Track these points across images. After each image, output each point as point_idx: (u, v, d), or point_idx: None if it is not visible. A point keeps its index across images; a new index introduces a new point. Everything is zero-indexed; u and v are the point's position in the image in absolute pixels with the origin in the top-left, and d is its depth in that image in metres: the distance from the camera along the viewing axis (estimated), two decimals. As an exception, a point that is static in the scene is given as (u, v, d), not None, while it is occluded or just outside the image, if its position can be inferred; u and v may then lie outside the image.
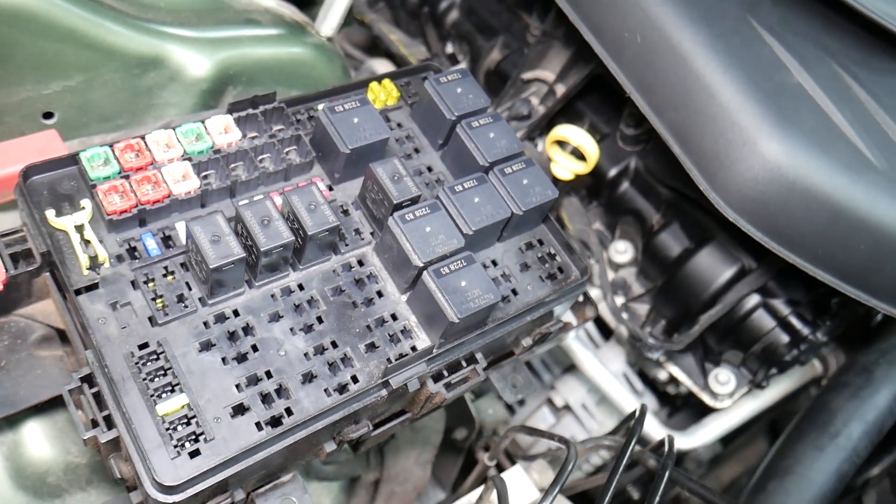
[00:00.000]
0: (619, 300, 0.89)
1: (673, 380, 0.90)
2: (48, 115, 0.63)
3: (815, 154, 0.63)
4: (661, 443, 0.67)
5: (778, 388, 0.90)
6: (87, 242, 0.50)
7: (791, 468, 0.80)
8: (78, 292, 0.48)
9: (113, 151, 0.52)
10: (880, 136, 0.66)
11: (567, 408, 0.98)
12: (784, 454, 0.81)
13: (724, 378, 0.84)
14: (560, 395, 0.98)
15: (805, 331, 0.78)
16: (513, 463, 0.72)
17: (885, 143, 0.66)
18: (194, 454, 0.45)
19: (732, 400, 0.86)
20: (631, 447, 0.60)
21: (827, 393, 0.81)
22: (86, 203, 0.51)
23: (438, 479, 0.94)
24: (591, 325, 0.98)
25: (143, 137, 0.53)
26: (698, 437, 0.89)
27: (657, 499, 0.58)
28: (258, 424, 0.47)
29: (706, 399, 0.86)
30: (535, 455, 0.78)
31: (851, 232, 0.64)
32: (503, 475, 0.65)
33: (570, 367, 1.01)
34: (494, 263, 0.59)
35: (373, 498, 0.75)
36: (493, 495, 0.60)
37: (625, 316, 0.87)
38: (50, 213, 0.50)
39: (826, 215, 0.63)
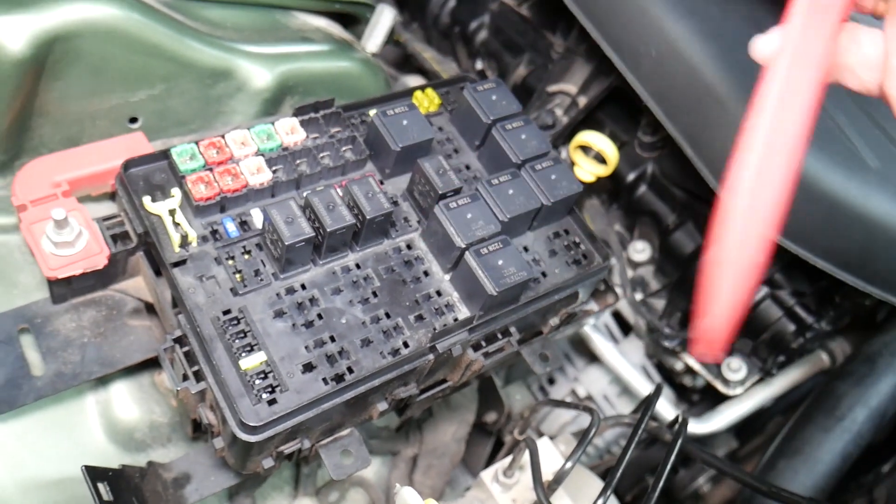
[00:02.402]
0: (639, 296, 0.95)
1: (689, 370, 0.97)
2: (133, 120, 0.71)
3: (814, 153, 0.70)
4: (676, 419, 0.73)
5: (787, 378, 0.96)
6: (177, 225, 0.58)
7: (800, 449, 0.86)
8: (172, 266, 0.56)
9: (198, 148, 0.60)
10: (875, 137, 0.73)
11: (590, 398, 1.05)
12: (793, 436, 0.87)
13: (735, 366, 0.90)
14: (583, 386, 1.05)
15: (809, 320, 0.84)
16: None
17: (878, 144, 0.73)
18: (272, 402, 0.53)
19: (744, 388, 0.92)
20: (648, 416, 0.66)
21: (833, 380, 0.88)
22: (175, 192, 0.59)
23: (468, 464, 1.00)
24: (611, 322, 1.05)
25: (223, 136, 0.61)
26: (713, 423, 0.95)
27: (669, 463, 0.65)
28: (324, 380, 0.55)
29: (719, 386, 0.92)
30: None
31: (847, 224, 0.70)
32: (532, 444, 0.72)
33: (593, 361, 1.08)
34: (526, 249, 0.66)
35: (412, 471, 0.82)
36: (525, 457, 0.67)
37: (643, 309, 0.93)
38: (146, 200, 0.58)
39: (824, 209, 0.70)
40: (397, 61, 1.26)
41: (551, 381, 1.09)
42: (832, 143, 0.71)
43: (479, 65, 1.12)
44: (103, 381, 0.63)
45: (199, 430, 0.65)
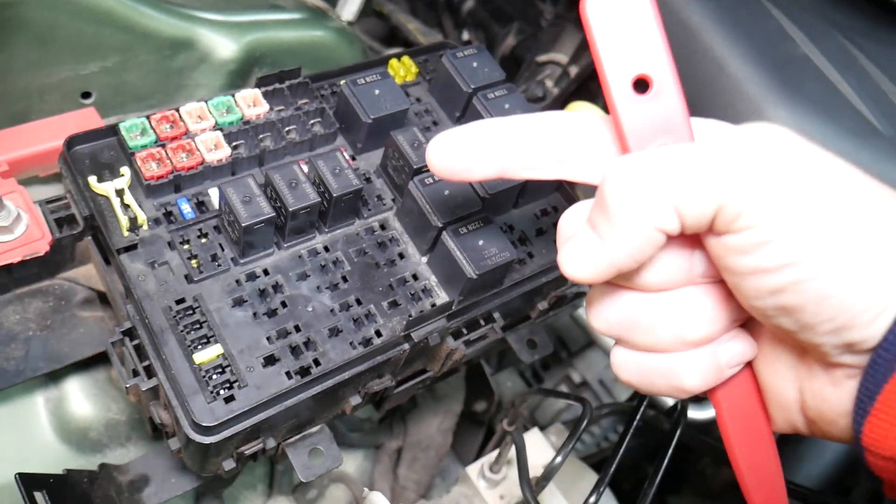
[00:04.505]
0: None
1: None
2: (86, 95, 0.66)
3: (822, 121, 0.65)
4: (674, 407, 0.69)
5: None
6: (126, 206, 0.53)
7: (805, 435, 0.82)
8: (119, 252, 0.51)
9: (149, 122, 0.55)
10: (886, 104, 0.68)
11: (585, 384, 1.01)
12: (798, 422, 0.82)
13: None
14: (578, 371, 1.00)
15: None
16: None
17: (890, 110, 0.68)
18: (229, 399, 0.48)
19: (746, 371, 0.87)
20: (643, 405, 0.62)
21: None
22: (125, 170, 0.54)
23: (459, 455, 0.96)
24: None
25: (177, 109, 0.56)
26: (712, 410, 0.90)
27: (669, 454, 0.60)
28: (288, 374, 0.50)
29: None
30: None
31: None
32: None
33: (587, 346, 1.03)
34: (511, 228, 0.61)
35: (396, 464, 0.78)
36: (512, 451, 0.63)
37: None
38: (92, 180, 0.53)
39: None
40: (383, 35, 1.21)
41: (545, 367, 1.05)
42: (840, 113, 0.66)
43: (465, 35, 1.07)
44: (54, 377, 0.58)
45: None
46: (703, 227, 0.32)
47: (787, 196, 0.31)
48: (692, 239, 0.34)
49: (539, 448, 0.69)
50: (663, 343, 0.36)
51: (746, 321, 0.37)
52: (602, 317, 0.37)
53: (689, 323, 0.35)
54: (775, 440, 0.40)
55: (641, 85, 0.35)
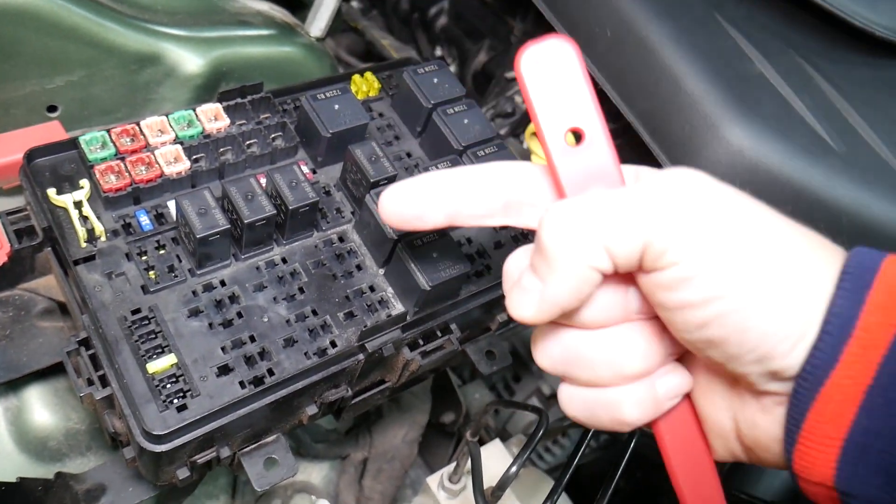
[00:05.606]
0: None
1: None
2: (52, 109, 0.67)
3: (776, 139, 0.67)
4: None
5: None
6: (85, 218, 0.54)
7: (767, 447, 0.83)
8: (76, 263, 0.52)
9: (110, 135, 0.56)
10: (839, 121, 0.70)
11: (555, 396, 1.01)
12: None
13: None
14: (548, 383, 1.01)
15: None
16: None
17: (843, 128, 0.69)
18: (181, 408, 0.48)
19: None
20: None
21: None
22: (84, 182, 0.55)
23: (430, 465, 0.97)
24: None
25: (137, 123, 0.57)
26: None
27: (622, 465, 0.61)
28: (241, 383, 0.51)
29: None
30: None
31: (811, 211, 0.67)
32: (482, 447, 0.68)
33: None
34: (469, 241, 0.62)
35: (361, 475, 0.78)
36: (469, 462, 0.64)
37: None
38: (51, 192, 0.54)
39: (787, 196, 0.66)
40: (359, 51, 1.22)
41: (517, 379, 1.06)
42: (794, 130, 0.68)
43: (438, 51, 1.08)
44: (13, 386, 0.59)
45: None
46: (633, 264, 0.34)
47: (705, 234, 0.33)
48: (626, 278, 0.36)
49: (500, 459, 0.70)
50: (603, 377, 0.37)
51: (682, 355, 0.39)
52: (546, 355, 0.39)
53: (626, 357, 0.37)
54: (719, 468, 0.41)
55: (574, 137, 0.37)
